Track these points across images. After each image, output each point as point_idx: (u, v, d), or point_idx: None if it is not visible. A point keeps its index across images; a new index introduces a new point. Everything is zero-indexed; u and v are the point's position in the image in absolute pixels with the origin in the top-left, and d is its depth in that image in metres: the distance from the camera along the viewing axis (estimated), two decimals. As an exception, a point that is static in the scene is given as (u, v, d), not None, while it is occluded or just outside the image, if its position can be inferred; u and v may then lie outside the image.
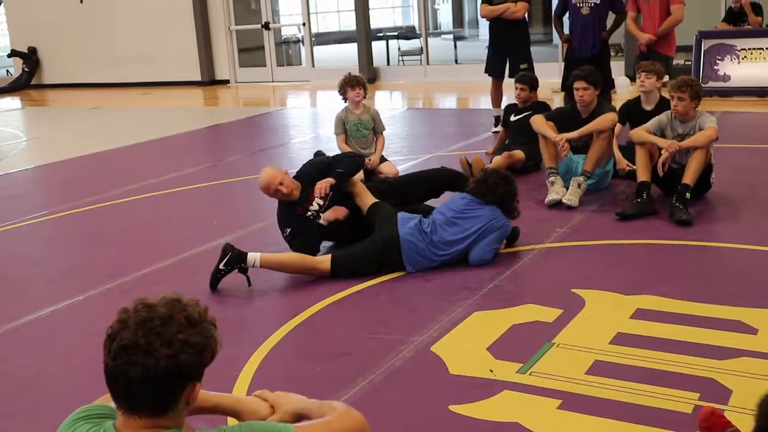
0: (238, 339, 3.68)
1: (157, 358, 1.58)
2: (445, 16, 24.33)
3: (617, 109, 6.01)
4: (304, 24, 14.93)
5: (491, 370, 3.22)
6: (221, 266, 4.27)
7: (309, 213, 4.69)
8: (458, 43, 17.72)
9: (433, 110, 11.69)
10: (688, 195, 5.03)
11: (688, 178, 5.07)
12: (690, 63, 10.15)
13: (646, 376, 3.10)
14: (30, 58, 17.01)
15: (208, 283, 4.29)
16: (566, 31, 8.22)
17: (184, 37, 15.18)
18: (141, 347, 1.59)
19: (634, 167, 5.42)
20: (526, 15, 8.39)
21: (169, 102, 13.65)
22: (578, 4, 7.76)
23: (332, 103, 10.08)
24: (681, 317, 3.62)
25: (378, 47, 15.47)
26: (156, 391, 1.61)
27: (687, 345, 3.33)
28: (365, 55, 14.13)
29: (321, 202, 4.71)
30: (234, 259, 4.26)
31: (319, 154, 5.27)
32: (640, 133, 5.32)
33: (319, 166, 4.87)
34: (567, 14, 8.04)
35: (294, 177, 4.80)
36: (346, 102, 6.53)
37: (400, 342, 3.54)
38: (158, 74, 15.54)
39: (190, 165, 7.92)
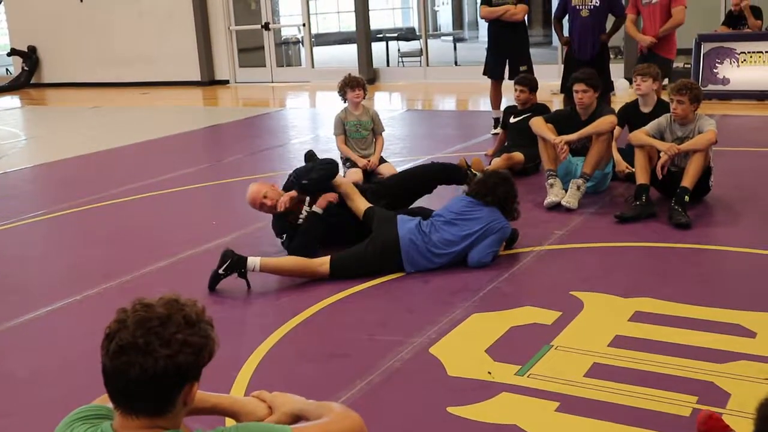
0: (237, 339, 3.68)
1: (156, 358, 1.58)
2: (444, 17, 24.34)
3: (616, 111, 6.01)
4: (304, 25, 14.93)
5: (489, 372, 3.22)
6: (221, 271, 4.27)
7: (300, 221, 4.73)
8: (458, 44, 17.72)
9: (432, 112, 11.69)
10: (686, 198, 5.03)
11: (687, 181, 5.07)
12: (689, 66, 10.15)
13: (644, 379, 3.10)
14: (29, 57, 17.00)
15: (207, 285, 4.29)
16: (566, 33, 8.24)
17: (183, 37, 15.18)
18: (139, 347, 1.58)
19: (633, 170, 5.42)
20: (525, 17, 8.38)
21: (169, 102, 13.64)
22: (578, 7, 7.77)
23: (332, 104, 10.08)
24: (679, 320, 3.61)
25: (378, 48, 15.47)
26: (154, 392, 1.60)
27: (685, 348, 3.33)
28: (365, 56, 14.13)
29: (308, 209, 4.73)
30: (234, 265, 4.26)
31: (310, 154, 5.26)
32: (639, 135, 5.32)
33: (300, 176, 4.89)
34: (567, 16, 8.05)
35: (283, 187, 4.86)
36: (345, 103, 6.54)
37: (399, 343, 3.54)
38: (158, 74, 15.54)
39: (189, 165, 7.91)
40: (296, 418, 1.92)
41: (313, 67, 15.03)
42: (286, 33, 16.54)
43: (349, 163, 6.48)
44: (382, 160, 6.50)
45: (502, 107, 7.88)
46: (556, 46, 11.56)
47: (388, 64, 15.96)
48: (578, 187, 5.50)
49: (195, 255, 4.98)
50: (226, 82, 15.38)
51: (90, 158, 8.76)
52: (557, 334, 3.54)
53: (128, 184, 7.07)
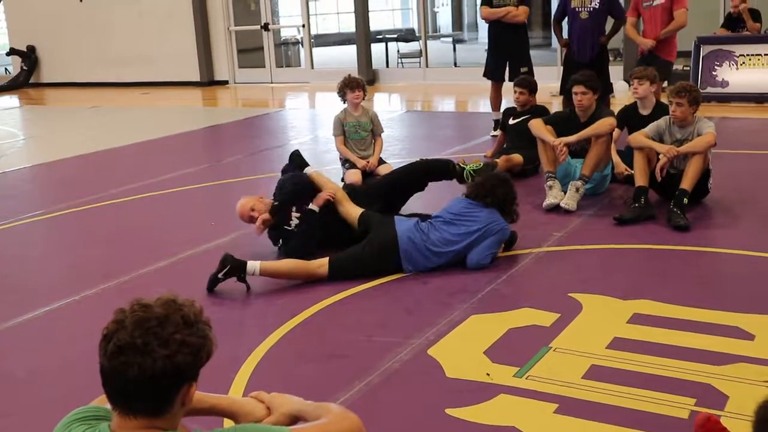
0: (236, 340, 3.68)
1: (154, 359, 1.58)
2: (444, 19, 24.34)
3: (615, 114, 6.01)
4: (303, 25, 14.94)
5: (488, 374, 3.22)
6: (220, 275, 4.27)
7: (292, 227, 4.75)
8: (457, 46, 17.73)
9: (431, 113, 11.69)
10: (685, 200, 5.03)
11: (686, 183, 5.07)
12: (688, 68, 10.16)
13: (642, 380, 3.10)
14: (29, 57, 16.99)
15: (206, 286, 4.29)
16: (565, 35, 8.25)
17: (183, 37, 15.17)
18: (138, 347, 1.58)
19: (632, 172, 5.42)
20: (526, 19, 8.37)
21: (168, 102, 13.64)
22: (577, 9, 7.78)
23: (331, 105, 10.08)
24: (678, 322, 3.62)
25: (377, 49, 15.47)
26: (152, 392, 1.60)
27: (684, 350, 3.33)
28: (364, 57, 14.13)
29: (298, 215, 4.76)
30: (233, 270, 4.26)
31: (295, 155, 5.19)
32: (638, 137, 5.32)
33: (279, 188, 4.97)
34: (566, 19, 8.06)
35: (273, 195, 4.94)
36: (345, 104, 6.54)
37: (397, 345, 3.54)
38: (157, 74, 15.53)
39: (188, 165, 7.91)
40: (294, 419, 1.91)
41: (312, 68, 15.03)
42: (286, 34, 16.54)
43: (348, 164, 6.48)
44: (381, 161, 6.50)
45: (502, 109, 7.88)
46: (555, 48, 11.58)
47: (387, 65, 15.96)
48: (577, 189, 5.50)
49: (194, 255, 4.98)
50: (226, 82, 15.38)
51: (89, 158, 8.75)
52: (556, 335, 3.54)
53: (127, 185, 7.07)
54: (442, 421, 2.91)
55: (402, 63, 15.83)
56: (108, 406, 1.69)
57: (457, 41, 18.61)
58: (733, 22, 10.39)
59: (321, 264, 4.37)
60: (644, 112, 5.90)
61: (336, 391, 3.12)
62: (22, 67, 17.07)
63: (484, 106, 9.77)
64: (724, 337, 3.44)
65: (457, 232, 4.42)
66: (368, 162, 6.39)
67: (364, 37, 14.14)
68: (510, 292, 4.15)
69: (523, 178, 6.32)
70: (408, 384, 3.21)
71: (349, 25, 16.60)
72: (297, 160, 5.22)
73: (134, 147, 9.27)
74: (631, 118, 5.96)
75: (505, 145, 6.88)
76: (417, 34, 16.09)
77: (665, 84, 7.11)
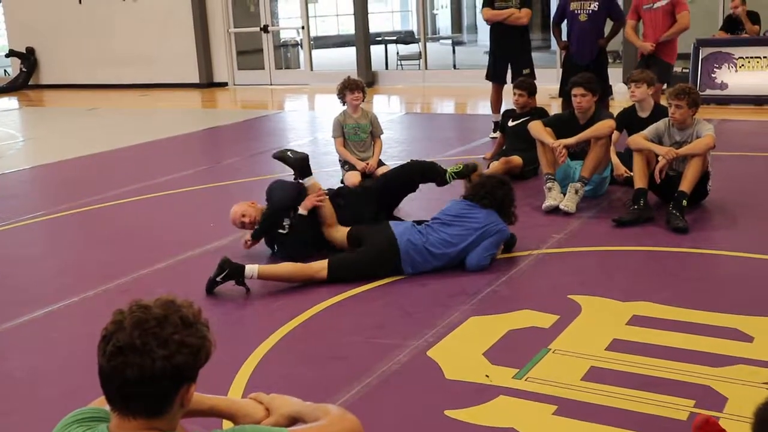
0: (235, 341, 3.67)
1: (153, 359, 1.58)
2: (443, 21, 24.35)
3: (615, 116, 6.02)
4: (302, 27, 14.95)
5: (487, 376, 3.22)
6: (218, 279, 4.27)
7: (285, 231, 4.75)
8: (457, 48, 17.74)
9: (431, 115, 11.70)
10: (684, 202, 5.04)
11: (685, 185, 5.08)
12: (688, 71, 10.18)
13: (641, 382, 3.10)
14: (28, 59, 16.99)
15: (204, 288, 4.28)
16: (564, 37, 8.25)
17: (182, 39, 15.18)
18: (137, 348, 1.58)
19: (631, 174, 5.43)
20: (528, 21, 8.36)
21: (167, 104, 13.64)
22: (576, 11, 7.79)
23: (330, 107, 10.08)
24: (677, 324, 3.62)
25: (376, 51, 15.47)
26: (151, 393, 1.60)
27: (683, 352, 3.34)
28: (364, 59, 14.14)
29: (288, 222, 4.75)
30: (231, 274, 4.25)
31: (303, 160, 5.07)
32: (637, 140, 5.33)
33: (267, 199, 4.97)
34: (565, 21, 8.07)
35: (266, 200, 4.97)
36: (344, 105, 6.54)
37: (396, 346, 3.54)
38: (156, 76, 15.53)
39: (187, 167, 7.91)
40: (293, 421, 1.91)
41: (311, 69, 15.04)
42: (285, 36, 16.55)
43: (347, 165, 6.48)
44: (380, 163, 6.50)
45: (502, 111, 7.89)
46: (554, 50, 11.58)
47: (386, 67, 15.97)
48: (576, 191, 5.50)
49: (193, 257, 4.98)
50: (225, 84, 15.38)
51: (88, 160, 8.75)
52: (555, 337, 3.54)
53: (126, 186, 7.06)
54: (441, 423, 2.91)
55: (401, 65, 15.84)
56: (107, 407, 1.69)
57: (456, 43, 18.63)
58: (732, 24, 10.40)
59: (320, 267, 4.37)
60: (643, 114, 5.90)
61: (335, 392, 3.12)
62: (21, 69, 17.07)
63: (483, 108, 9.78)
64: (723, 338, 3.44)
65: (456, 234, 4.42)
66: (367, 164, 6.39)
67: (363, 39, 14.15)
68: (509, 294, 4.15)
69: (522, 180, 6.32)
70: (407, 385, 3.21)
71: (348, 27, 16.60)
72: (282, 161, 5.11)
73: (133, 149, 9.27)
74: (630, 121, 5.96)
75: (504, 147, 6.88)
76: (416, 36, 16.08)
77: (665, 86, 7.12)
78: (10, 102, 15.46)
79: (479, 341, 3.55)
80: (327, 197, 4.84)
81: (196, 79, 15.30)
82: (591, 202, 5.65)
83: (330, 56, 18.08)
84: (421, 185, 5.34)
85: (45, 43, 16.81)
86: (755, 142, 7.62)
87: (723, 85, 9.85)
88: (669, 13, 7.58)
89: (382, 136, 6.68)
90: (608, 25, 7.97)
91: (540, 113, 6.65)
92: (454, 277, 4.36)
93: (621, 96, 10.12)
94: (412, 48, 16.04)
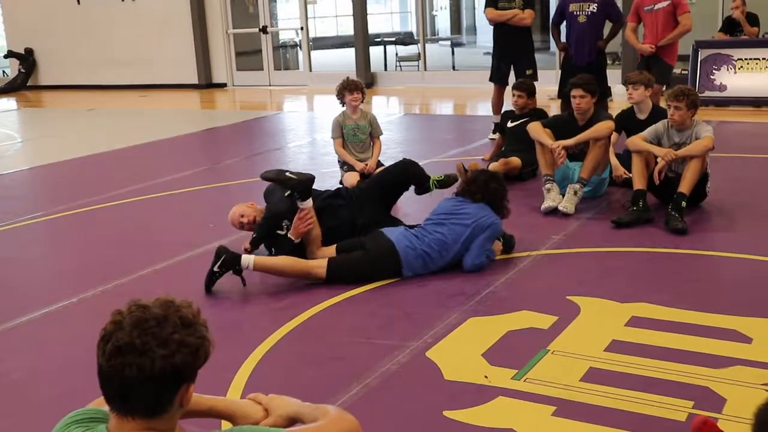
0: (233, 342, 3.67)
1: (153, 359, 1.58)
2: (442, 22, 24.37)
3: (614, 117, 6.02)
4: (301, 28, 14.95)
5: (486, 376, 3.22)
6: (215, 269, 4.27)
7: (283, 233, 4.71)
8: (456, 49, 17.72)
9: (430, 116, 11.70)
10: (683, 203, 5.04)
11: (684, 186, 5.08)
12: (687, 72, 10.19)
13: (640, 383, 3.10)
14: (26, 59, 16.98)
15: (203, 286, 4.29)
16: (563, 39, 8.25)
17: (181, 39, 15.18)
18: (136, 347, 1.58)
19: (630, 175, 5.43)
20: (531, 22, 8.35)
21: (166, 104, 13.64)
22: (575, 13, 7.79)
23: (329, 108, 10.09)
24: (676, 325, 3.62)
25: (375, 52, 15.48)
26: (150, 393, 1.60)
27: (682, 353, 3.34)
28: (363, 60, 14.14)
29: (287, 223, 4.72)
30: (228, 262, 4.25)
31: (308, 182, 4.87)
32: (636, 141, 5.33)
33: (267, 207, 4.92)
34: (564, 22, 8.07)
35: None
36: (343, 106, 6.54)
37: (396, 347, 3.54)
38: (155, 77, 15.53)
39: (186, 168, 7.91)
40: (292, 421, 1.91)
41: (310, 70, 15.04)
42: (284, 36, 16.55)
43: (346, 166, 6.48)
44: (379, 164, 6.50)
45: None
46: (553, 51, 11.59)
47: (385, 68, 15.96)
48: (575, 192, 5.50)
49: (192, 258, 4.98)
50: (224, 85, 15.38)
51: (86, 160, 8.75)
52: (554, 338, 3.54)
53: (125, 187, 7.06)
54: (441, 424, 2.91)
55: (400, 66, 15.84)
56: (106, 407, 1.68)
57: (455, 44, 18.62)
58: (731, 26, 10.41)
59: (319, 265, 4.36)
60: (641, 116, 5.90)
61: (334, 393, 3.12)
62: (19, 70, 17.07)
63: (482, 109, 9.79)
64: (722, 340, 3.45)
65: (450, 232, 4.40)
66: (366, 164, 6.40)
67: (362, 40, 14.16)
68: (508, 295, 4.15)
69: (521, 181, 6.33)
70: (406, 386, 3.20)
71: (347, 28, 16.58)
72: (306, 189, 4.58)
73: (132, 149, 9.26)
74: (628, 122, 5.97)
75: (503, 148, 6.88)
76: (415, 38, 16.09)
77: (664, 88, 7.12)
78: (8, 103, 15.45)
79: (478, 342, 3.55)
80: (315, 219, 4.57)
81: (194, 80, 15.30)
82: (590, 203, 5.65)
83: (329, 57, 18.08)
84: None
85: (44, 43, 16.80)
86: (754, 144, 7.63)
87: (722, 87, 9.86)
88: (670, 14, 7.58)
89: (381, 137, 6.68)
90: (607, 27, 7.97)
91: (539, 114, 6.66)
92: (454, 278, 4.36)
93: (620, 97, 10.13)
94: (411, 49, 16.05)
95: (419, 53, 14.54)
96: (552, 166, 5.63)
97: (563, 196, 5.53)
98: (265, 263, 4.33)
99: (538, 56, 8.74)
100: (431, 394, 3.13)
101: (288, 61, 16.57)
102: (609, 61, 8.59)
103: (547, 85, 10.24)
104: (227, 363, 3.37)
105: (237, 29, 15.27)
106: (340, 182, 6.34)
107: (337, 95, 6.52)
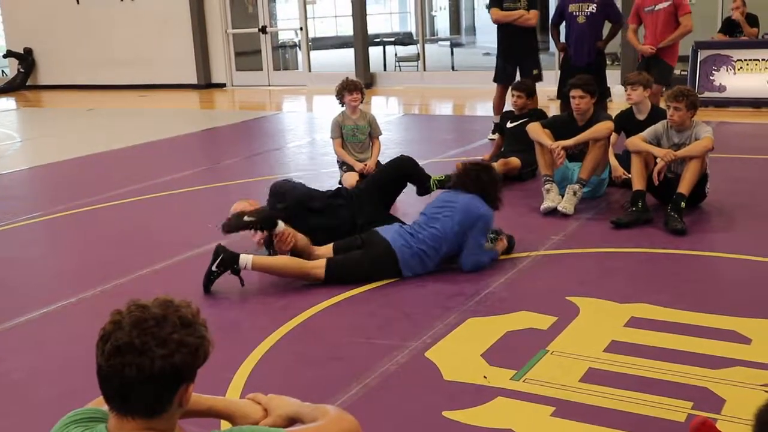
0: (233, 342, 3.67)
1: (152, 358, 1.58)
2: (442, 22, 24.37)
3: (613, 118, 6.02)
4: (301, 28, 14.95)
5: (485, 377, 3.22)
6: (214, 268, 4.27)
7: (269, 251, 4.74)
8: (455, 49, 17.74)
9: (429, 116, 11.70)
10: (683, 204, 5.04)
11: (684, 187, 5.08)
12: (686, 73, 10.19)
13: (639, 384, 3.10)
14: (26, 59, 16.98)
15: (202, 286, 4.29)
16: (563, 39, 8.25)
17: (180, 39, 15.17)
18: (136, 347, 1.58)
19: (630, 176, 5.43)
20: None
21: (165, 105, 13.63)
22: (575, 13, 7.79)
23: (329, 108, 10.08)
24: (675, 326, 3.62)
25: (375, 53, 15.48)
26: (150, 392, 1.60)
27: (681, 354, 3.34)
28: (362, 60, 14.14)
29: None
30: (226, 261, 4.25)
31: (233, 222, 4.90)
32: (636, 141, 5.33)
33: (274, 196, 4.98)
34: (564, 23, 8.07)
35: (267, 204, 4.96)
36: (343, 106, 6.54)
37: (395, 347, 3.54)
38: (155, 77, 15.52)
39: (185, 168, 7.91)
40: (291, 421, 1.91)
41: (310, 70, 15.04)
42: (283, 37, 16.54)
43: (345, 166, 6.48)
44: (378, 164, 6.50)
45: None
46: (553, 52, 11.60)
47: (385, 69, 15.96)
48: (575, 193, 5.51)
49: (191, 258, 4.97)
50: (223, 85, 15.38)
51: (86, 160, 8.74)
52: (553, 338, 3.54)
53: (124, 187, 7.06)
54: (440, 424, 2.91)
55: (399, 66, 15.84)
56: (105, 407, 1.68)
57: (454, 45, 18.63)
58: (730, 27, 10.42)
59: (318, 265, 4.36)
60: (640, 116, 5.91)
61: (333, 393, 3.12)
62: (19, 70, 17.06)
63: (482, 109, 9.80)
64: (721, 340, 3.45)
65: (442, 226, 4.38)
66: (366, 165, 6.39)
67: (361, 40, 14.15)
68: (507, 295, 4.15)
69: (520, 182, 6.33)
70: (405, 386, 3.20)
71: (346, 28, 16.58)
72: (268, 220, 4.56)
73: (131, 149, 9.26)
74: (627, 123, 5.97)
75: (502, 149, 6.88)
76: (415, 38, 16.10)
77: (664, 89, 7.12)
78: (7, 102, 15.45)
79: (477, 342, 3.55)
80: (294, 235, 4.51)
81: (194, 80, 15.29)
82: (589, 204, 5.65)
83: (328, 57, 18.08)
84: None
85: (43, 43, 16.80)
86: (753, 145, 7.63)
87: (721, 88, 9.86)
88: (671, 15, 7.58)
89: (380, 138, 6.68)
90: (607, 27, 7.97)
91: (538, 115, 6.66)
92: (453, 279, 4.36)
93: (619, 98, 10.13)
94: (411, 49, 16.05)
95: (418, 53, 14.54)
96: (551, 167, 5.63)
97: (562, 196, 5.53)
98: (264, 263, 4.33)
99: (537, 56, 8.73)
100: (430, 395, 3.13)
101: (287, 61, 16.57)
102: (608, 62, 8.59)
103: (547, 86, 10.24)
104: (226, 363, 3.37)
105: (236, 29, 15.26)
106: (340, 182, 6.34)
107: (336, 95, 6.52)
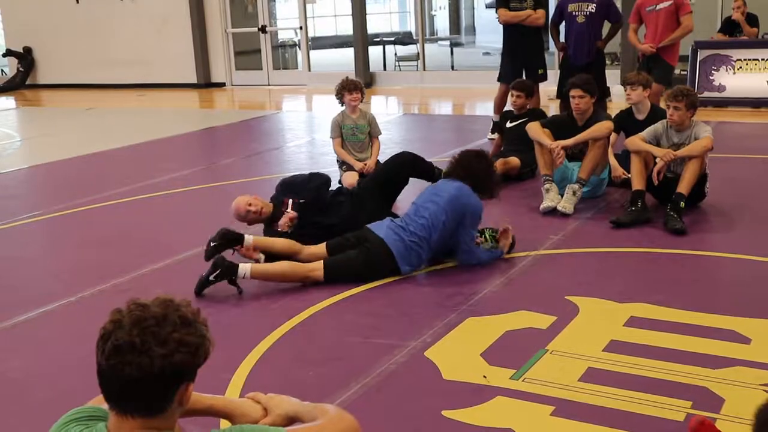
0: (232, 342, 3.67)
1: (152, 358, 1.58)
2: (441, 22, 24.37)
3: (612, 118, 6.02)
4: (300, 28, 14.94)
5: (485, 376, 3.22)
6: (211, 278, 4.25)
7: (289, 229, 4.81)
8: (455, 49, 17.74)
9: (429, 116, 11.70)
10: (682, 204, 5.04)
11: (683, 187, 5.08)
12: (686, 73, 10.19)
13: (639, 383, 3.10)
14: (25, 58, 16.97)
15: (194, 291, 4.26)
16: (562, 39, 8.25)
17: (180, 39, 15.17)
18: (136, 346, 1.58)
19: (629, 175, 5.43)
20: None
21: (165, 104, 13.63)
22: (574, 13, 7.80)
23: (328, 108, 10.08)
24: (674, 326, 3.62)
25: (374, 52, 15.48)
26: (150, 391, 1.60)
27: (680, 353, 3.34)
28: (362, 60, 14.14)
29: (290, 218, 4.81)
30: (225, 273, 4.23)
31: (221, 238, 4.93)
32: (635, 141, 5.34)
33: (288, 188, 5.08)
34: (563, 22, 8.07)
35: (271, 199, 5.01)
36: (342, 106, 6.54)
37: (394, 347, 3.54)
38: (154, 76, 15.52)
39: (184, 167, 7.91)
40: (291, 420, 1.91)
41: (309, 70, 15.03)
42: (283, 36, 16.54)
43: (345, 166, 6.48)
44: (378, 164, 6.50)
45: (501, 112, 7.88)
46: (552, 51, 11.59)
47: (384, 68, 15.96)
48: (574, 193, 5.51)
49: (190, 257, 4.97)
50: (223, 84, 15.37)
51: (85, 160, 8.74)
52: (552, 338, 3.54)
53: (123, 186, 7.06)
54: (439, 423, 2.91)
55: (399, 66, 15.84)
56: (105, 406, 1.68)
57: (454, 44, 18.63)
58: (730, 26, 10.42)
59: (316, 267, 4.35)
60: (640, 116, 5.90)
61: (333, 392, 3.12)
62: (18, 69, 17.05)
63: (481, 109, 9.80)
64: (721, 340, 3.45)
65: (430, 214, 4.37)
66: (365, 164, 6.39)
67: (361, 39, 14.15)
68: (507, 295, 4.15)
69: (519, 182, 6.33)
70: (405, 386, 3.20)
71: (346, 27, 16.57)
72: (228, 239, 4.55)
73: (130, 149, 9.26)
74: (627, 123, 5.97)
75: (502, 148, 6.88)
76: (414, 37, 16.10)
77: (665, 88, 7.12)
78: (7, 102, 15.44)
79: (477, 342, 3.55)
80: (262, 243, 4.59)
81: (193, 80, 15.29)
82: (589, 204, 5.65)
83: (328, 57, 18.08)
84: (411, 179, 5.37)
85: (42, 42, 16.79)
86: (753, 145, 7.63)
87: (721, 88, 9.86)
88: (672, 14, 7.59)
89: (380, 137, 6.68)
90: (606, 27, 7.97)
91: (538, 114, 6.66)
92: (452, 278, 4.36)
93: (619, 98, 10.13)
94: (410, 49, 16.05)
95: (418, 53, 14.54)
96: (551, 167, 5.63)
97: (562, 196, 5.53)
98: (262, 271, 4.32)
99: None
100: (430, 394, 3.13)
101: (287, 60, 16.57)
102: (608, 62, 8.59)
103: (547, 86, 10.24)
104: (226, 363, 3.37)
105: (236, 29, 15.26)
106: (339, 182, 6.34)
107: (336, 95, 6.52)
